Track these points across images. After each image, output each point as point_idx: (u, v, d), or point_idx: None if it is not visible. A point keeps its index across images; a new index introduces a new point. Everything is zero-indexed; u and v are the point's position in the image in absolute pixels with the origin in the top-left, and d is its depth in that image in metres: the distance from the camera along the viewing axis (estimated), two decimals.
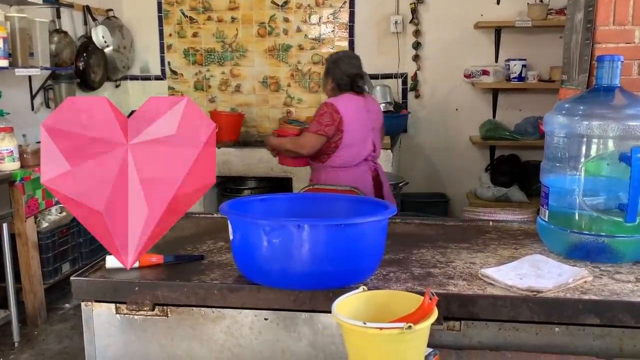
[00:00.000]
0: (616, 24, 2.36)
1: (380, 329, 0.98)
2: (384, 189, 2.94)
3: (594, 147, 1.46)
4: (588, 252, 1.49)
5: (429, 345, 1.09)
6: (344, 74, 2.86)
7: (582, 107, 1.51)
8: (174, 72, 5.01)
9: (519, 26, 4.28)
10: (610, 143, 1.45)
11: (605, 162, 1.47)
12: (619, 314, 1.24)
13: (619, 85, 1.52)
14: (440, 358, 1.17)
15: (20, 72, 3.36)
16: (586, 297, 1.27)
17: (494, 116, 4.63)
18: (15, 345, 3.05)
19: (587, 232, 1.48)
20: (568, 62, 2.80)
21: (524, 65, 4.35)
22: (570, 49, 2.77)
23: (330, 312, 1.07)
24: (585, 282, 1.35)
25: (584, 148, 1.47)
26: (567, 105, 1.55)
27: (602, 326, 1.26)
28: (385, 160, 3.86)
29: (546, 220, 1.57)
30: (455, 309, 1.28)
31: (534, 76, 4.36)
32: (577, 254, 1.51)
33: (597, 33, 2.38)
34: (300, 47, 4.79)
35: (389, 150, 3.90)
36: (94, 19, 4.43)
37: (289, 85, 4.86)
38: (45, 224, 3.37)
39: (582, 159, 1.47)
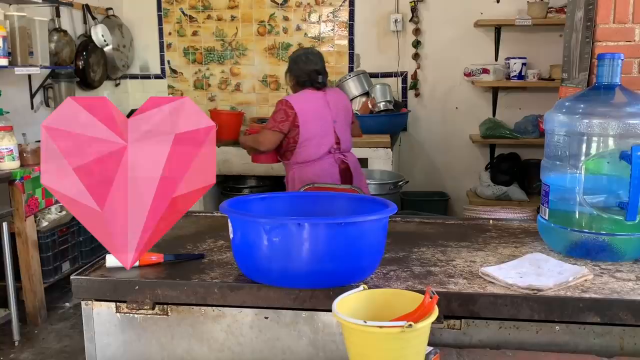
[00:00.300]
0: (616, 22, 2.35)
1: (381, 327, 0.98)
2: (353, 181, 2.99)
3: (594, 146, 1.46)
4: (588, 250, 1.49)
5: (429, 344, 1.09)
6: (302, 70, 2.95)
7: (582, 106, 1.51)
8: (173, 71, 5.01)
9: (519, 24, 4.28)
10: (611, 141, 1.44)
11: (606, 161, 1.46)
12: (619, 313, 1.24)
13: (619, 83, 1.52)
14: (440, 357, 1.17)
15: (19, 70, 3.36)
16: (587, 295, 1.27)
17: (493, 115, 4.63)
18: (16, 344, 3.05)
19: (587, 231, 1.48)
20: (568, 60, 2.80)
21: (524, 64, 4.35)
22: (570, 47, 2.77)
23: (330, 310, 1.07)
24: (585, 280, 1.35)
25: (584, 146, 1.47)
26: (567, 104, 1.55)
27: (603, 324, 1.26)
28: (385, 159, 3.86)
29: (546, 218, 1.57)
30: (455, 307, 1.28)
31: (534, 74, 4.36)
32: (578, 252, 1.51)
33: (597, 31, 2.38)
34: (300, 46, 4.78)
35: (389, 149, 3.90)
36: (94, 18, 4.43)
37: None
38: (45, 223, 3.37)
39: (583, 157, 1.47)
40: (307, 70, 2.95)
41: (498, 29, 4.49)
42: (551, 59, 4.32)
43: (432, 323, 1.03)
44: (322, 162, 2.91)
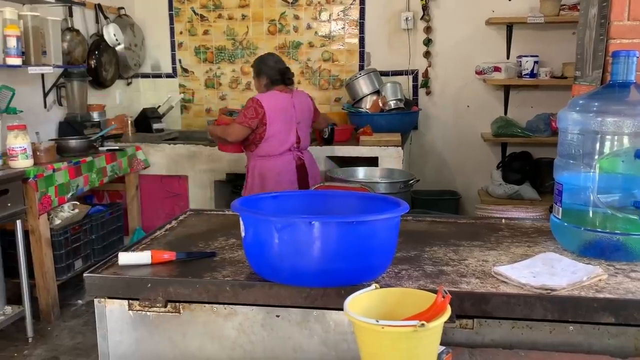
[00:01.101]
0: (631, 19, 2.32)
1: (393, 327, 0.97)
2: (308, 177, 3.33)
3: (608, 144, 1.44)
4: (602, 250, 1.47)
5: (441, 344, 1.08)
6: (274, 69, 3.26)
7: (596, 104, 1.49)
8: (185, 70, 5.03)
9: (531, 22, 4.24)
10: (626, 140, 1.43)
11: (620, 159, 1.45)
12: (634, 313, 1.22)
13: (634, 81, 1.50)
14: (453, 356, 1.16)
15: (33, 70, 3.39)
16: (601, 295, 1.26)
17: (505, 113, 4.60)
18: (29, 341, 3.08)
19: (601, 230, 1.46)
20: (581, 58, 2.77)
21: (536, 62, 4.31)
22: (583, 44, 2.74)
23: (342, 309, 1.07)
24: (599, 280, 1.33)
25: (598, 145, 1.45)
26: (581, 102, 1.54)
27: (617, 325, 1.24)
28: (396, 157, 3.85)
29: (560, 217, 1.55)
30: (468, 307, 1.27)
31: (546, 73, 4.32)
32: (591, 252, 1.49)
33: (611, 28, 2.35)
34: (311, 45, 4.79)
35: (400, 148, 3.88)
36: (106, 17, 4.46)
37: (299, 83, 4.85)
38: (58, 221, 3.40)
39: (597, 156, 1.46)
40: (279, 69, 3.25)
41: (510, 27, 4.46)
42: (564, 56, 4.28)
43: (445, 322, 1.02)
44: (282, 158, 3.23)
